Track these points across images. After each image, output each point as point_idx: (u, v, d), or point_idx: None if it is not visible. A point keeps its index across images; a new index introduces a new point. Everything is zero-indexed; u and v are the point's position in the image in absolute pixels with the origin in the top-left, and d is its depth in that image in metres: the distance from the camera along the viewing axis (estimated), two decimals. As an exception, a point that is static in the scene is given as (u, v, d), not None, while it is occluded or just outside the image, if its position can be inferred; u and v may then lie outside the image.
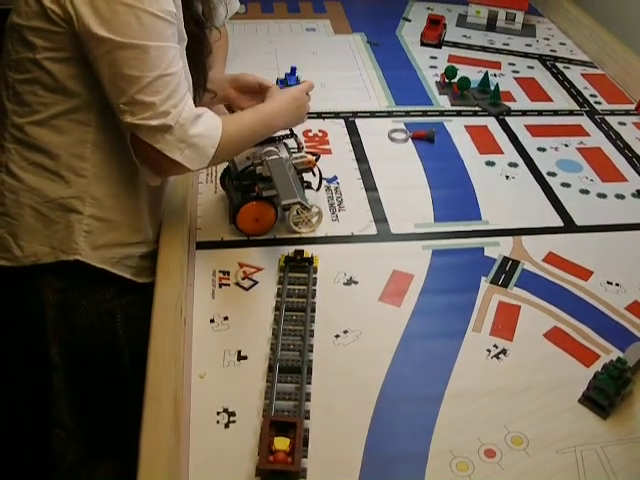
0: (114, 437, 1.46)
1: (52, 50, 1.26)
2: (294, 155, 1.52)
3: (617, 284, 1.43)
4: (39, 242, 1.38)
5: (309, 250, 1.42)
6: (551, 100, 2.17)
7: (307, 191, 1.57)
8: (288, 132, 1.58)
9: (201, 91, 1.52)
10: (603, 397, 1.14)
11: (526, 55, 2.49)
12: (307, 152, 1.57)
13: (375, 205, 1.62)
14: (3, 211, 1.37)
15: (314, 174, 1.57)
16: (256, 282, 1.38)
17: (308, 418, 1.10)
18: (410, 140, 1.87)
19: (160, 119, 1.24)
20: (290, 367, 1.18)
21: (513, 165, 1.81)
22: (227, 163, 1.53)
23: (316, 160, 1.55)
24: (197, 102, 1.47)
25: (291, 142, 1.58)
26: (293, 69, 2.01)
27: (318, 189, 1.60)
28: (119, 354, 1.47)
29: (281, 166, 1.44)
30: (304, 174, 1.55)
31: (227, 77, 1.73)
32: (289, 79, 2.01)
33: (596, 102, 2.18)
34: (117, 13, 1.18)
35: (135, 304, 1.44)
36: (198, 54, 1.45)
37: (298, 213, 1.51)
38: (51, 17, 1.21)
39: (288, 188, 1.40)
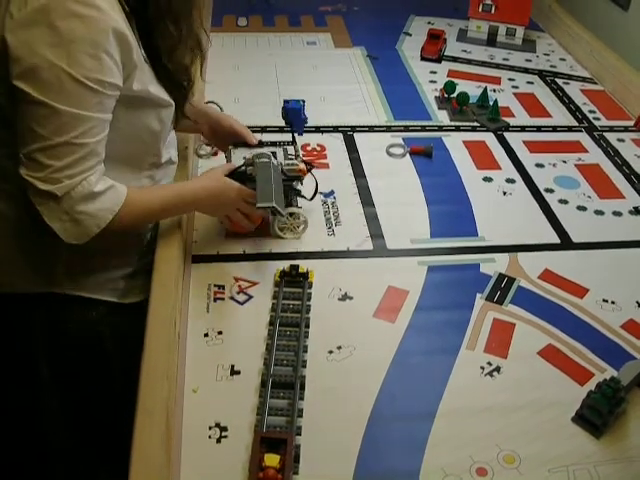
0: (108, 453, 1.46)
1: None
2: (286, 162, 1.53)
3: (613, 302, 1.43)
4: (17, 272, 1.38)
5: (304, 265, 1.42)
6: (550, 116, 2.18)
7: (301, 200, 1.58)
8: (290, 138, 1.61)
9: (179, 114, 1.47)
10: (596, 416, 1.14)
11: (526, 70, 2.49)
12: (303, 161, 1.56)
13: (372, 220, 1.62)
14: None
15: (301, 183, 1.56)
16: (251, 296, 1.38)
17: (300, 434, 1.10)
18: (408, 155, 1.88)
19: (49, 185, 1.18)
20: (283, 383, 1.17)
21: (511, 181, 1.81)
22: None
23: (309, 170, 1.55)
24: (176, 126, 1.48)
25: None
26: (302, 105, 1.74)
27: (312, 199, 1.60)
28: (109, 373, 1.48)
29: (267, 170, 1.45)
30: (301, 184, 1.56)
31: (203, 112, 1.66)
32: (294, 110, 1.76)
33: (595, 118, 2.18)
34: (39, 69, 1.14)
35: (124, 324, 1.42)
36: (174, 75, 1.39)
37: (287, 218, 1.52)
38: None
39: (266, 192, 1.40)
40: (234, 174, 1.46)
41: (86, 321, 1.44)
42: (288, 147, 1.59)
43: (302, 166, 1.53)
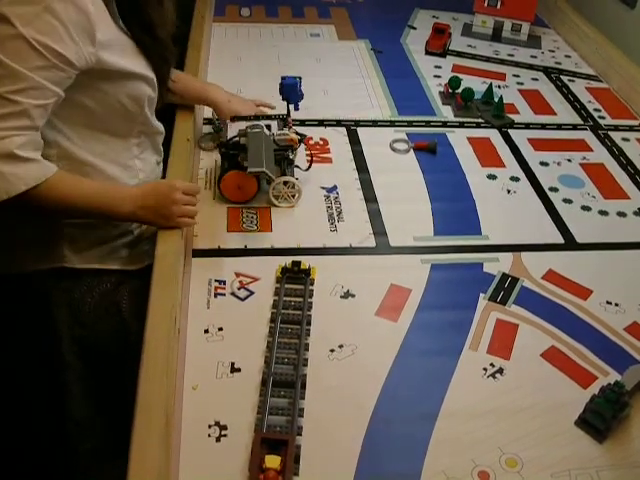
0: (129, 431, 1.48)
1: None
2: (278, 132, 1.60)
3: (616, 304, 1.42)
4: (23, 251, 1.41)
5: (306, 261, 1.41)
6: (555, 114, 2.16)
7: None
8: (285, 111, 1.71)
9: (163, 89, 1.50)
10: (600, 420, 1.13)
11: (531, 67, 2.48)
12: (296, 132, 1.63)
13: (375, 217, 1.61)
14: None
15: (293, 153, 1.62)
16: (252, 292, 1.37)
17: (300, 434, 1.09)
18: (412, 151, 1.86)
19: None
20: (284, 381, 1.16)
21: (515, 179, 1.79)
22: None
23: (300, 141, 1.62)
24: (160, 102, 1.51)
25: None
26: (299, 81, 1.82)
27: (307, 169, 1.67)
28: (130, 343, 1.47)
29: (258, 138, 1.54)
30: (292, 154, 1.63)
31: (209, 99, 1.78)
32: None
33: (600, 117, 2.16)
34: None
35: (137, 290, 1.46)
36: (155, 49, 1.42)
37: (278, 187, 1.59)
38: None
39: (257, 158, 1.48)
40: (229, 144, 1.57)
41: (101, 292, 1.47)
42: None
43: (293, 136, 1.59)
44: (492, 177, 1.80)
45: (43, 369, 1.50)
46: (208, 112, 1.88)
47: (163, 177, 1.57)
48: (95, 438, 1.56)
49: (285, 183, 1.58)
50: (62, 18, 1.18)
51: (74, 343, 1.47)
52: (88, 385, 1.52)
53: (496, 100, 2.10)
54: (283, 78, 1.74)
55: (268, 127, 1.60)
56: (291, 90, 1.74)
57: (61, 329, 1.46)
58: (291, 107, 1.76)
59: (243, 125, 1.61)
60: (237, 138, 1.57)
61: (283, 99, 1.75)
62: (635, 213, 1.71)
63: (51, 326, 1.45)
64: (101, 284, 1.48)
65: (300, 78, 1.75)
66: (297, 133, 1.62)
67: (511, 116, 2.09)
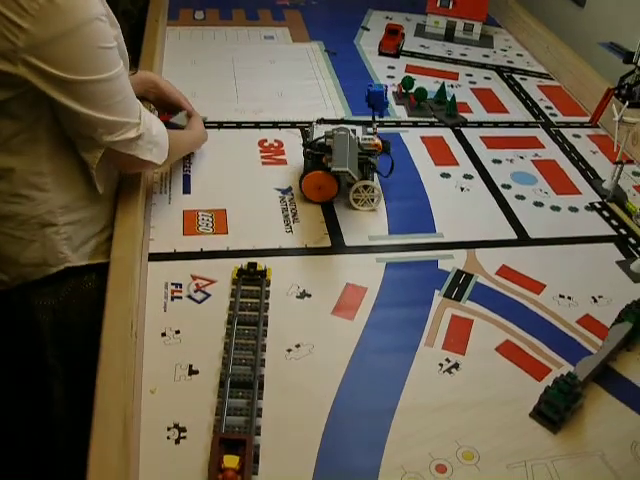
0: None
1: None
2: (364, 136, 1.64)
3: (569, 297, 1.44)
4: (22, 264, 1.39)
5: (262, 262, 1.41)
6: (507, 112, 2.19)
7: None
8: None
9: None
10: (554, 411, 1.14)
11: (483, 66, 2.51)
12: (381, 139, 1.66)
13: (329, 217, 1.62)
14: None
15: (376, 159, 1.65)
16: (209, 295, 1.37)
17: (259, 434, 1.09)
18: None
19: (135, 130, 1.33)
20: (241, 382, 1.16)
21: (468, 177, 1.81)
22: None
23: (385, 148, 1.66)
24: None
25: None
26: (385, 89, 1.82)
27: (388, 176, 1.70)
28: None
29: (344, 140, 1.57)
30: (375, 159, 1.66)
31: (150, 78, 1.79)
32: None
33: (552, 114, 2.20)
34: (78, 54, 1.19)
35: None
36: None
37: (359, 191, 1.63)
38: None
39: (341, 158, 1.51)
40: (314, 145, 1.63)
41: (85, 294, 1.49)
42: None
43: (377, 141, 1.62)
44: (446, 175, 1.82)
45: (26, 375, 1.50)
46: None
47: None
48: (78, 440, 1.56)
49: (365, 187, 1.62)
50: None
51: (57, 347, 1.47)
52: (73, 389, 1.50)
53: (449, 99, 2.12)
54: (370, 85, 1.78)
55: (353, 131, 1.64)
56: (377, 98, 1.76)
57: (44, 334, 1.46)
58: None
59: (329, 128, 1.64)
60: (322, 139, 1.61)
61: (369, 106, 1.77)
62: (587, 208, 1.73)
63: (35, 332, 1.45)
64: (83, 284, 1.48)
65: (386, 86, 1.79)
66: (382, 140, 1.65)
67: (464, 115, 2.12)
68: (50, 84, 1.19)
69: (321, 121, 1.74)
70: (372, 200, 1.64)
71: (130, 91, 1.32)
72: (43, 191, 1.35)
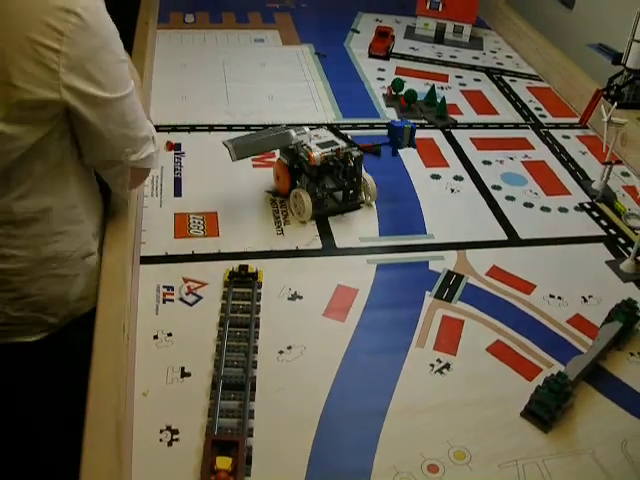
0: None
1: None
2: (305, 145, 1.59)
3: (559, 297, 1.44)
4: (70, 301, 1.38)
5: (254, 265, 1.42)
6: (497, 113, 2.20)
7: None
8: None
9: None
10: (544, 411, 1.15)
11: (473, 68, 2.52)
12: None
13: (320, 219, 1.62)
14: (17, 296, 1.32)
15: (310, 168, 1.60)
16: (200, 297, 1.37)
17: (251, 436, 1.09)
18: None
19: (153, 145, 1.34)
20: (234, 384, 1.17)
21: (458, 178, 1.82)
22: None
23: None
24: None
25: None
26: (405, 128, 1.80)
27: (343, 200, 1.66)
28: None
29: (272, 132, 1.61)
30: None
31: None
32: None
33: (541, 115, 2.21)
34: (111, 69, 1.19)
35: None
36: None
37: (293, 198, 1.63)
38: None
39: (246, 141, 1.58)
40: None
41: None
42: (354, 151, 1.62)
43: (312, 155, 1.55)
44: (436, 177, 1.82)
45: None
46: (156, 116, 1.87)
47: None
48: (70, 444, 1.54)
49: (296, 196, 1.62)
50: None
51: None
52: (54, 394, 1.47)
53: (439, 101, 2.13)
54: (394, 121, 1.79)
55: (344, 138, 1.64)
56: (394, 133, 1.77)
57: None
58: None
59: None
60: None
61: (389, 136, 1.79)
62: (576, 208, 1.74)
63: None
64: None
65: (414, 125, 1.77)
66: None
67: (454, 116, 2.12)
68: (90, 107, 1.17)
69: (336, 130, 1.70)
70: (301, 213, 1.61)
71: (139, 105, 1.31)
72: (78, 223, 1.34)
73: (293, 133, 1.59)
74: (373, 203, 1.68)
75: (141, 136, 1.29)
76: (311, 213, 1.59)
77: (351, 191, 1.63)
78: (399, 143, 1.77)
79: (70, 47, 1.10)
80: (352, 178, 1.61)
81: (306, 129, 1.62)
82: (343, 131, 1.70)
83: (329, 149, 1.57)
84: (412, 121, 1.82)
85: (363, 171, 1.64)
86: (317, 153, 1.55)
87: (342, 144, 1.60)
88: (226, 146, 1.55)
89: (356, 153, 1.60)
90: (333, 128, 1.68)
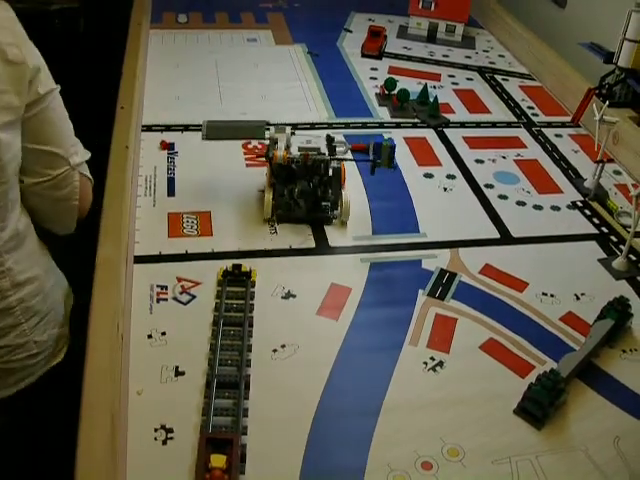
0: None
1: None
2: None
3: (552, 295, 1.45)
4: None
5: (247, 264, 1.42)
6: (489, 112, 2.20)
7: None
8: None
9: None
10: (537, 408, 1.15)
11: (465, 67, 2.52)
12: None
13: (314, 218, 1.62)
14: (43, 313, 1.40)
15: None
16: (194, 296, 1.37)
17: (246, 434, 1.10)
18: (349, 152, 1.87)
19: (82, 148, 1.35)
20: (228, 382, 1.17)
21: (451, 177, 1.82)
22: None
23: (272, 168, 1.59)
24: None
25: None
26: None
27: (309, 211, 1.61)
28: None
29: (245, 122, 1.68)
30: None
31: None
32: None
33: (533, 114, 2.21)
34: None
35: None
36: None
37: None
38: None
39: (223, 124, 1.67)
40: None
41: None
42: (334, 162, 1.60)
43: (276, 153, 1.54)
44: (429, 176, 1.83)
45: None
46: (150, 115, 1.88)
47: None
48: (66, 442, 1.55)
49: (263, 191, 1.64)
50: None
51: None
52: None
53: (431, 100, 2.13)
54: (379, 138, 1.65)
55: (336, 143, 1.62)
56: (376, 149, 1.60)
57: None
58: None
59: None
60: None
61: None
62: (568, 207, 1.75)
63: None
64: None
65: (393, 143, 1.59)
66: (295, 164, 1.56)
67: (446, 115, 2.13)
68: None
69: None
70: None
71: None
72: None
73: (270, 128, 1.60)
74: (347, 221, 1.62)
75: (74, 140, 1.31)
76: (270, 212, 1.58)
77: (323, 203, 1.61)
78: (376, 161, 1.60)
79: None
80: (327, 189, 1.60)
81: (287, 129, 1.61)
82: (336, 131, 1.71)
83: (299, 153, 1.56)
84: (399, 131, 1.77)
85: (346, 188, 1.61)
86: (281, 152, 1.54)
87: (324, 153, 1.58)
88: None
89: (335, 165, 1.58)
90: (331, 137, 1.64)
